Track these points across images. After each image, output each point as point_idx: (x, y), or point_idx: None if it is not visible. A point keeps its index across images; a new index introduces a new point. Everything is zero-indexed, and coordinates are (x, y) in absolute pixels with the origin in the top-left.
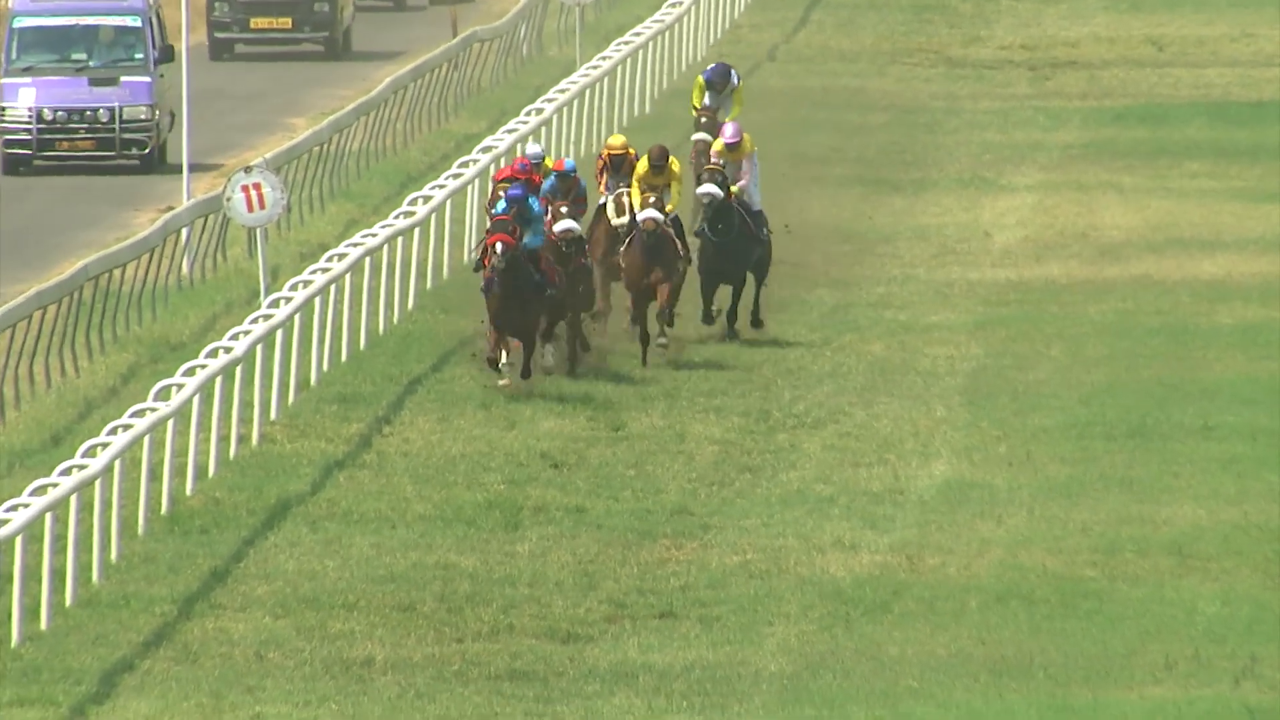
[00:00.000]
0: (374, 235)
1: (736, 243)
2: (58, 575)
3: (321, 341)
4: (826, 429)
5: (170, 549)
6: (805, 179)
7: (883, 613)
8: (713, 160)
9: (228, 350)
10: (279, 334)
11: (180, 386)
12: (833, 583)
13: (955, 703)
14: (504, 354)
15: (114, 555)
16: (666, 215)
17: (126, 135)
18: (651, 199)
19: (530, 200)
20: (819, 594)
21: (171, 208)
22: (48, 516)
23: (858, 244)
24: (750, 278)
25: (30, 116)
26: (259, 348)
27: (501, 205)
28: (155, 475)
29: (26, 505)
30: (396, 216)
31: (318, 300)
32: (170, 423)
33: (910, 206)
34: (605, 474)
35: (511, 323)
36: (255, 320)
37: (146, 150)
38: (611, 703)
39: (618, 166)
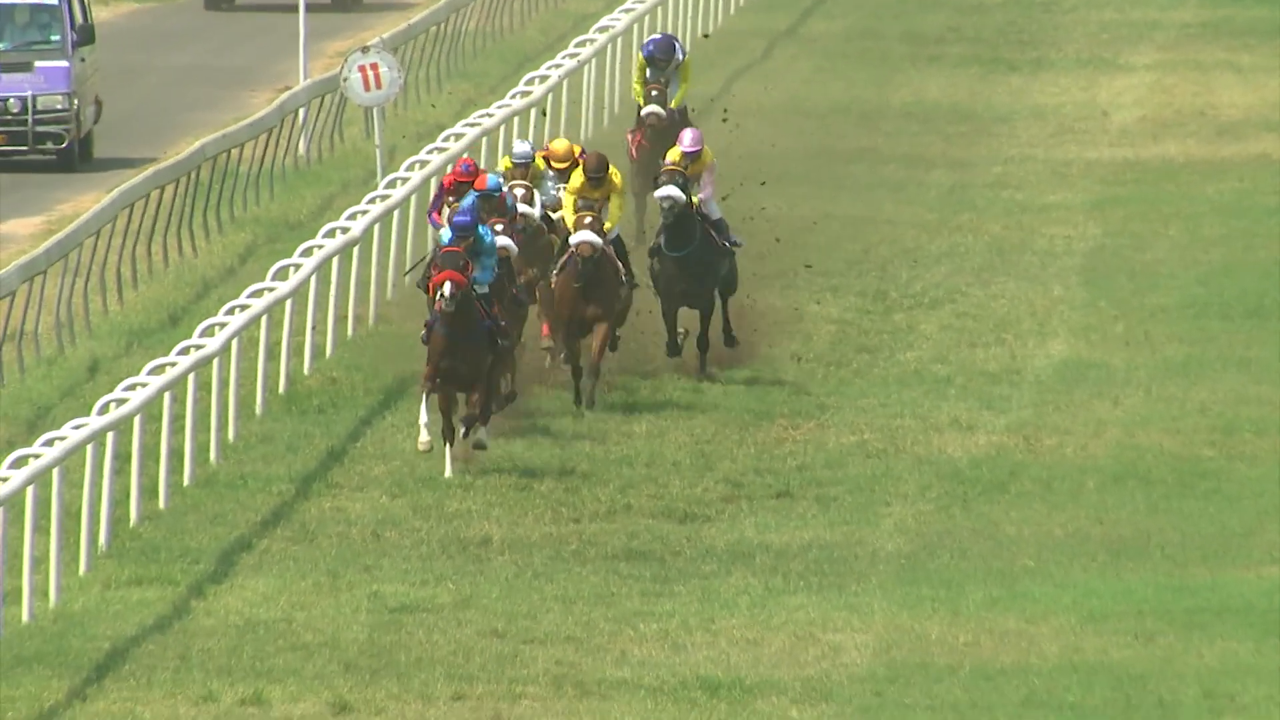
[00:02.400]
0: (490, 116)
1: (699, 256)
2: (176, 455)
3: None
4: (943, 309)
5: (287, 429)
6: (922, 59)
7: (999, 493)
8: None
9: (345, 230)
10: (396, 214)
11: (298, 266)
12: (950, 463)
13: (1072, 582)
14: (453, 413)
15: (231, 435)
16: (605, 235)
17: (41, 128)
18: (588, 219)
19: (482, 230)
20: (936, 474)
21: (288, 88)
22: (166, 396)
23: (975, 124)
24: (718, 298)
25: None
26: (376, 227)
27: (447, 235)
28: (273, 355)
29: (144, 385)
30: (513, 97)
31: (434, 181)
32: (288, 303)
33: (1027, 86)
34: (721, 355)
35: (456, 373)
36: (372, 200)
37: (64, 144)
38: (728, 582)
39: (563, 178)
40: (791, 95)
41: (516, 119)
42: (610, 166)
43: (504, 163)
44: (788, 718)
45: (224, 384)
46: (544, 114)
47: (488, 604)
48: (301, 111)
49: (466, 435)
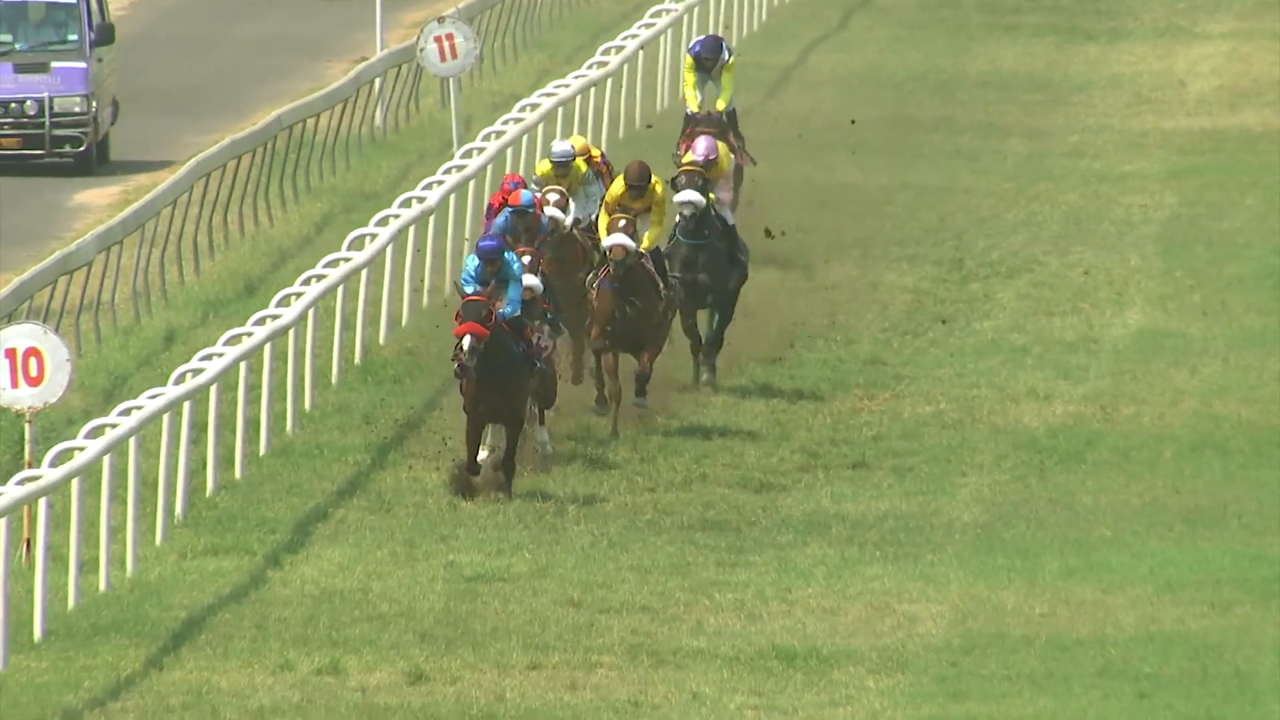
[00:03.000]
0: (566, 86)
1: (717, 246)
2: (252, 425)
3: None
4: (1020, 278)
5: (363, 398)
6: (999, 28)
7: (1076, 462)
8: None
9: (421, 200)
10: (471, 184)
11: (374, 236)
12: (1026, 433)
13: (1149, 552)
14: (481, 451)
15: (308, 405)
16: (642, 250)
17: (58, 131)
18: (622, 222)
19: (509, 257)
20: (1012, 444)
21: (365, 58)
22: (242, 366)
23: (1052, 93)
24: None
25: None
26: (452, 198)
27: (473, 264)
28: (349, 325)
29: (221, 355)
30: (589, 67)
31: (510, 151)
32: (364, 272)
33: (1104, 55)
34: (798, 323)
35: (493, 409)
36: (448, 170)
37: (82, 147)
38: (804, 552)
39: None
40: (868, 64)
41: (593, 89)
42: (653, 176)
43: (541, 166)
44: (864, 688)
45: (300, 354)
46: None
47: (563, 573)
48: (378, 82)
49: (509, 482)
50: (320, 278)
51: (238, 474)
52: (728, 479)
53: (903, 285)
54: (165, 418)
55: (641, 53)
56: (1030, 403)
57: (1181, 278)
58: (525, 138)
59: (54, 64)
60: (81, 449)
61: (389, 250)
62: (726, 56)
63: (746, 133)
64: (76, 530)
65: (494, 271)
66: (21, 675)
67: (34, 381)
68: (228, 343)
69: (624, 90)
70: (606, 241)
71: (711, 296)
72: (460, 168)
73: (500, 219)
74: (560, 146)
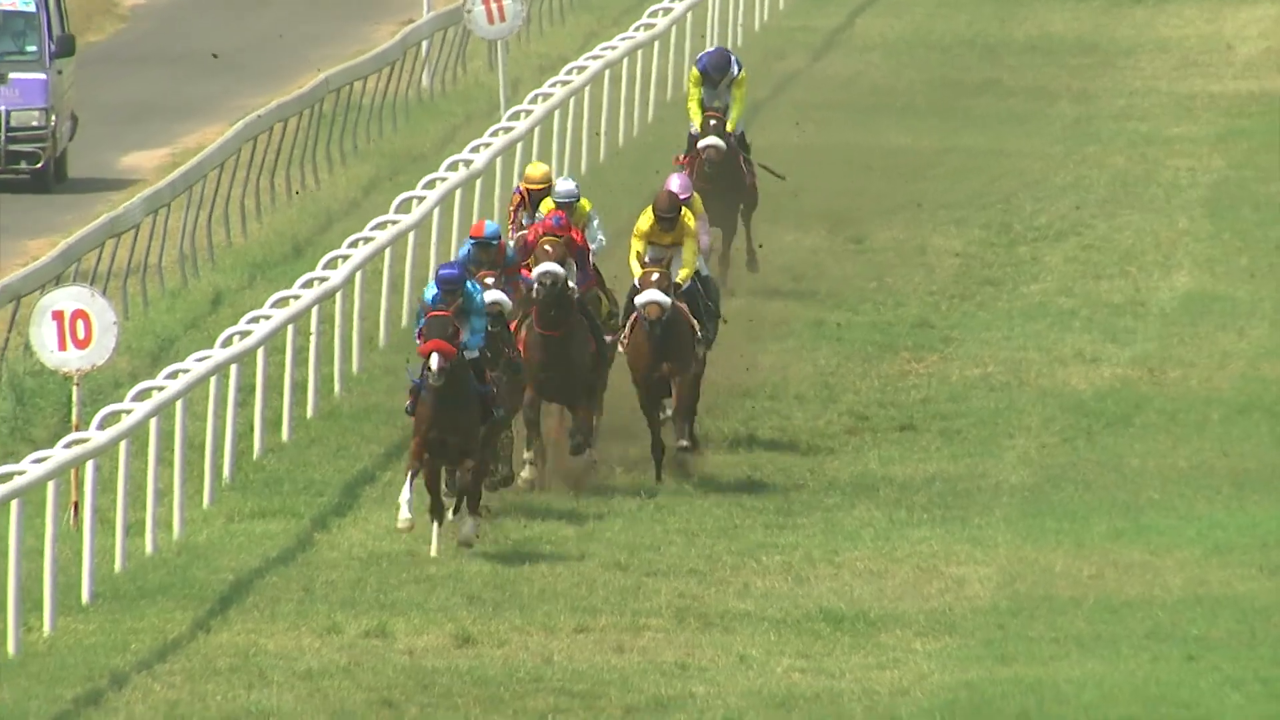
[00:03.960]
0: (613, 48)
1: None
2: (299, 387)
3: (561, 154)
4: (1068, 241)
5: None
6: None
7: (1124, 425)
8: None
9: (468, 163)
10: (519, 147)
11: (421, 199)
12: (1074, 395)
13: (1197, 515)
14: (441, 484)
15: (355, 367)
16: (678, 287)
17: (14, 146)
18: (654, 276)
19: (471, 287)
20: (1060, 406)
21: (412, 20)
22: (289, 329)
23: (1099, 56)
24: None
25: None
26: (499, 160)
27: (431, 294)
28: (396, 288)
29: (268, 317)
30: (636, 29)
31: (557, 113)
32: (411, 235)
33: (1151, 19)
34: (846, 286)
35: (446, 447)
36: (495, 133)
37: (39, 164)
38: (852, 514)
39: (538, 204)
40: (916, 28)
41: (640, 51)
42: (683, 206)
43: (544, 205)
44: (911, 650)
45: (347, 317)
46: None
47: (610, 536)
48: (425, 44)
49: (457, 511)
50: (367, 240)
51: (285, 437)
52: (776, 442)
53: (950, 248)
54: (212, 381)
55: (689, 14)
56: (1078, 365)
57: (1229, 240)
58: (572, 100)
59: (11, 75)
60: (129, 412)
61: (436, 213)
62: (735, 71)
63: (792, 96)
64: (123, 493)
65: (454, 302)
66: (69, 638)
67: (81, 344)
68: (275, 305)
69: (672, 52)
70: (640, 299)
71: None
72: (507, 130)
73: (463, 250)
74: (564, 186)
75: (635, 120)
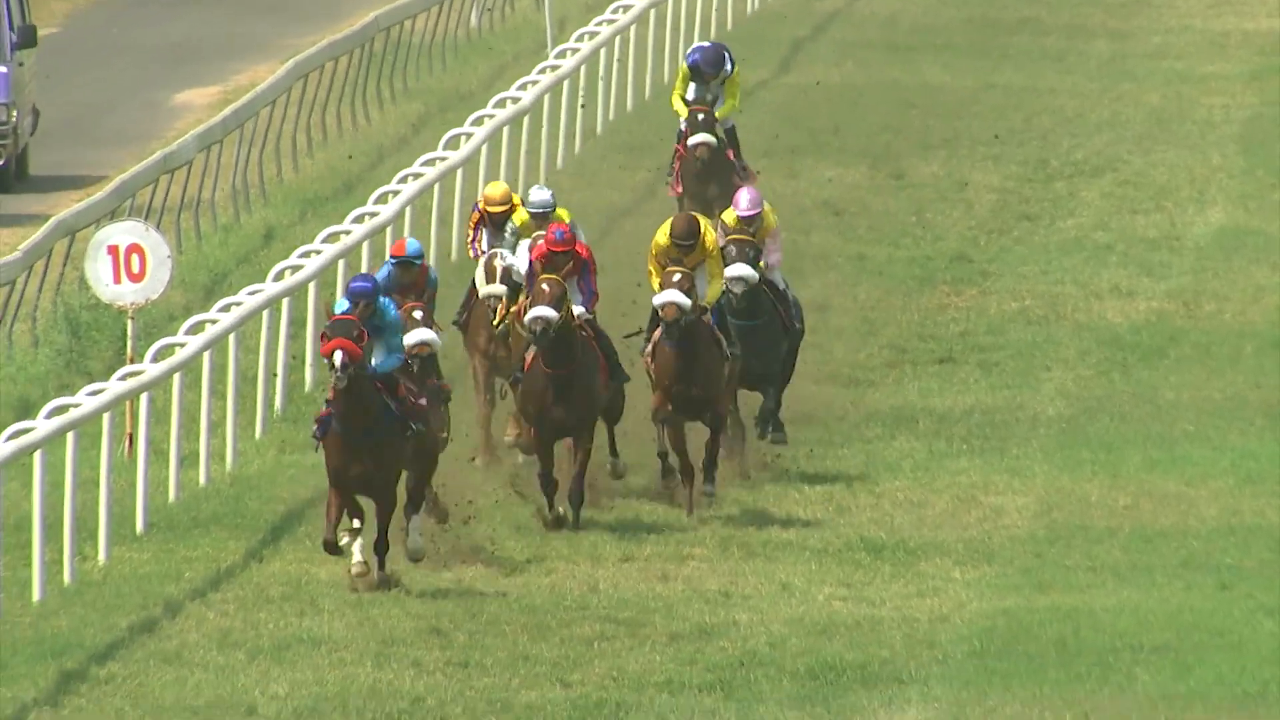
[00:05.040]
0: None
1: (766, 331)
2: None
3: (607, 92)
4: (1104, 177)
5: (459, 294)
6: None
7: (1159, 358)
8: (733, 233)
9: (515, 100)
10: (565, 84)
11: (469, 136)
12: (1110, 328)
13: (1230, 446)
14: (353, 522)
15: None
16: (704, 310)
17: None
18: (676, 276)
19: (384, 302)
20: (1096, 340)
21: None
22: (340, 263)
23: None
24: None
25: None
26: (546, 98)
27: (342, 306)
28: (444, 222)
29: (319, 251)
30: None
31: (603, 51)
32: (459, 171)
33: None
34: (886, 221)
35: (359, 478)
36: (542, 71)
37: (0, 161)
38: (892, 445)
39: (499, 226)
40: None
41: None
42: (703, 229)
43: (518, 216)
44: (950, 579)
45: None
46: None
47: (657, 466)
48: None
49: (383, 566)
50: (417, 176)
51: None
52: (817, 374)
53: (989, 184)
54: (265, 314)
55: None
56: (1114, 299)
57: (1262, 176)
58: (618, 39)
59: None
60: (182, 345)
61: (484, 150)
62: (729, 69)
63: (833, 35)
64: (177, 425)
65: (365, 317)
66: (124, 567)
67: (136, 278)
68: (326, 240)
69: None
70: (659, 299)
71: (759, 379)
72: (554, 68)
73: (382, 270)
74: (539, 195)
75: (680, 58)
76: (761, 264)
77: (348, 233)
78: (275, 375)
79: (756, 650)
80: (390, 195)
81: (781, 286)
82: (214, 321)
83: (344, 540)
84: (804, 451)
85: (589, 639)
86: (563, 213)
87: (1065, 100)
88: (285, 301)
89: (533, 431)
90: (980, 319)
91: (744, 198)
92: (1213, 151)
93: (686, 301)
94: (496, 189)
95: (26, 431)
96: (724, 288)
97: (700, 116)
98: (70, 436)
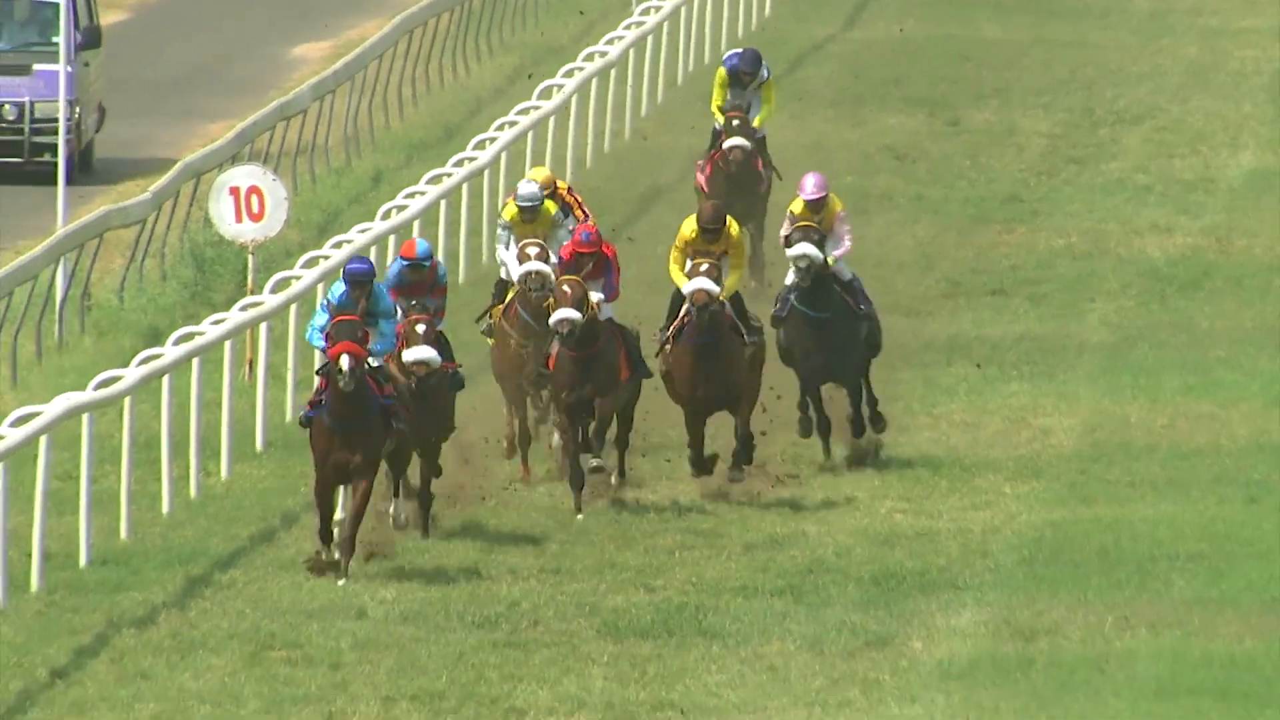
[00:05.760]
0: None
1: (838, 323)
2: (451, 256)
3: (688, 44)
4: (1144, 124)
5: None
6: None
7: (1194, 289)
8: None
9: (602, 54)
10: (649, 39)
11: (560, 87)
12: (1149, 262)
13: (1260, 370)
14: (337, 512)
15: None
16: (723, 304)
17: (38, 139)
18: (704, 265)
19: (379, 288)
20: (1137, 272)
21: None
22: (442, 203)
23: None
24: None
25: None
26: (631, 51)
27: (339, 290)
28: (538, 164)
29: (423, 193)
30: None
31: (684, 9)
32: (551, 119)
33: None
34: (943, 165)
35: (348, 467)
36: (628, 26)
37: (64, 155)
38: (948, 371)
39: (534, 215)
40: None
41: None
42: (729, 218)
43: (508, 210)
44: (1001, 493)
45: (494, 192)
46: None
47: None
48: None
49: (348, 556)
50: (512, 124)
51: None
52: (879, 305)
53: (1038, 130)
54: (373, 249)
55: None
56: (1153, 235)
57: None
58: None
59: (36, 66)
60: (298, 278)
61: (574, 100)
62: (766, 74)
63: None
64: (293, 351)
65: (361, 299)
66: (245, 482)
67: (256, 217)
68: (429, 182)
69: None
70: (688, 287)
71: (840, 375)
72: (639, 24)
73: (392, 270)
74: (527, 189)
75: (754, 13)
76: (830, 259)
77: (449, 175)
78: None
79: (824, 559)
80: (488, 142)
81: (848, 277)
82: (327, 257)
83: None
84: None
85: (670, 548)
86: (550, 206)
87: (1109, 53)
88: (391, 239)
89: (562, 412)
90: (1030, 254)
91: (810, 181)
92: (1245, 100)
93: (716, 288)
94: (539, 175)
95: (156, 358)
96: (790, 268)
97: (736, 122)
98: (195, 362)
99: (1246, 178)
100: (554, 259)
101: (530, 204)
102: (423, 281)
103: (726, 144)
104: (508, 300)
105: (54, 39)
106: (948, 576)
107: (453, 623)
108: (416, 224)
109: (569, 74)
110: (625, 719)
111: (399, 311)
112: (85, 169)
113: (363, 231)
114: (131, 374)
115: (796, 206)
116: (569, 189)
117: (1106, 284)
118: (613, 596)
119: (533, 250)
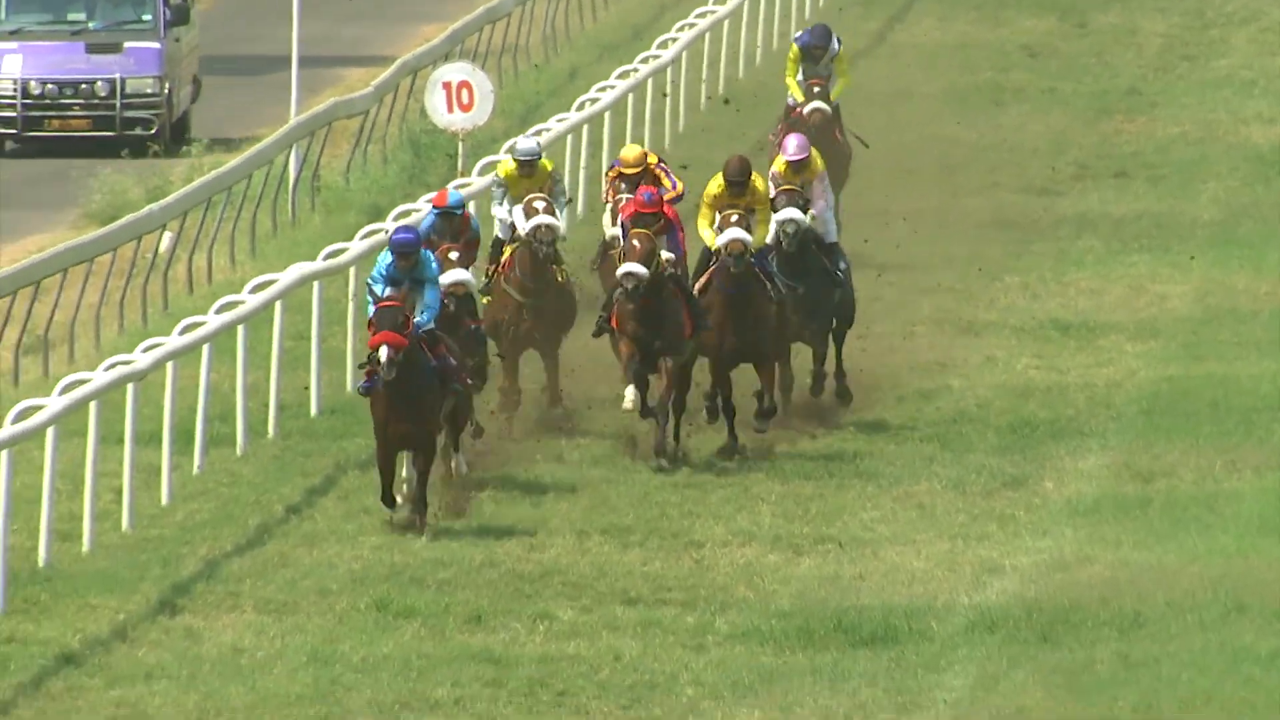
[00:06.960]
0: None
1: (812, 289)
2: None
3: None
4: (1250, 26)
5: (725, 121)
6: None
7: None
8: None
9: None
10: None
11: None
12: (1254, 148)
13: None
14: (398, 472)
15: (681, 127)
16: (754, 256)
17: (130, 114)
18: (734, 216)
19: (426, 255)
20: (1243, 157)
21: None
22: (630, 97)
23: None
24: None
25: (15, 89)
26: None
27: (386, 260)
28: (712, 64)
29: (613, 87)
30: None
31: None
32: (726, 21)
33: None
34: (1072, 61)
35: (404, 434)
36: None
37: (154, 130)
38: (1077, 244)
39: (634, 186)
40: None
41: None
42: (754, 172)
43: (503, 166)
44: (1123, 352)
45: (676, 86)
46: None
47: (884, 259)
48: None
49: (424, 515)
50: (691, 26)
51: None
52: (1016, 185)
53: (1156, 30)
54: (569, 138)
55: None
56: (1258, 125)
57: None
58: None
59: (127, 44)
60: (501, 162)
61: (746, 3)
62: (836, 47)
63: None
64: None
65: (408, 269)
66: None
67: (465, 109)
68: (619, 77)
69: None
70: (721, 239)
71: (807, 337)
72: None
73: (425, 221)
74: (525, 144)
75: None
76: (810, 215)
77: (635, 70)
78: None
79: (966, 410)
80: (670, 41)
81: (831, 239)
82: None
83: (400, 496)
84: (1004, 249)
85: (829, 404)
86: (546, 164)
87: None
88: (585, 128)
89: (632, 351)
90: (1148, 141)
91: (792, 143)
92: None
93: (749, 237)
94: (632, 151)
95: (378, 232)
96: (774, 231)
97: (817, 89)
98: None
99: None
100: (561, 217)
101: (529, 158)
102: (457, 230)
103: (807, 108)
104: (505, 258)
105: (144, 17)
106: (1075, 425)
107: (639, 466)
108: (608, 115)
109: None
110: (790, 550)
111: (436, 263)
112: (180, 141)
113: (560, 121)
114: (356, 246)
115: (779, 166)
116: (659, 160)
117: (1216, 168)
118: (781, 444)
119: (539, 204)
